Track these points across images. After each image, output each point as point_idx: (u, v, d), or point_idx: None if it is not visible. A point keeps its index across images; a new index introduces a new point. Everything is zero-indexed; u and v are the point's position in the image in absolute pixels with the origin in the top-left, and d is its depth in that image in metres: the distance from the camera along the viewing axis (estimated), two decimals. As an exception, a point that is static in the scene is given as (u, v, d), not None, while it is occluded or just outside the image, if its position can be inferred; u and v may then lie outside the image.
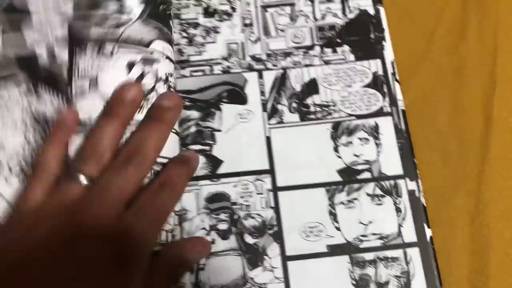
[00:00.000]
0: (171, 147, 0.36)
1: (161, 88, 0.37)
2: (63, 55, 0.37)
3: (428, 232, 0.36)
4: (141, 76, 0.37)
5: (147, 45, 0.38)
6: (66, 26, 0.38)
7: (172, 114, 0.35)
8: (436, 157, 0.39)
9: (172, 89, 0.38)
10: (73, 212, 0.29)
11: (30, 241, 0.28)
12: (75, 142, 0.34)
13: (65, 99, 0.36)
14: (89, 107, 0.36)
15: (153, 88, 0.37)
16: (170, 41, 0.39)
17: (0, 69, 0.36)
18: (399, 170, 0.38)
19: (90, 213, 0.29)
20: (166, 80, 0.38)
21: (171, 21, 0.40)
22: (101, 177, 0.31)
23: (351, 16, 0.42)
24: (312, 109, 0.39)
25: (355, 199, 0.37)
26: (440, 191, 0.38)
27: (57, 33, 0.38)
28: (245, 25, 0.42)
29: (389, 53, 0.41)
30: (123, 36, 0.38)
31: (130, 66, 0.37)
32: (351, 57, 0.41)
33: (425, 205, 0.37)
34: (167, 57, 0.38)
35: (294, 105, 0.39)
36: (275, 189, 0.37)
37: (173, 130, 0.37)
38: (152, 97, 0.36)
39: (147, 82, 0.37)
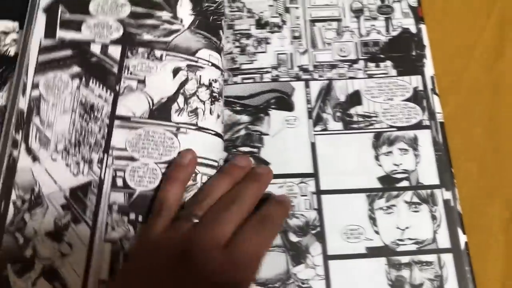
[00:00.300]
0: (214, 149, 0.39)
1: (203, 93, 0.40)
2: (115, 54, 0.40)
3: (463, 239, 0.38)
4: (185, 81, 0.40)
5: (194, 53, 0.41)
6: (121, 30, 0.41)
7: (266, 178, 0.38)
8: (473, 167, 0.41)
9: (215, 94, 0.40)
10: (187, 245, 0.32)
11: (152, 264, 0.32)
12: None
13: (112, 94, 0.39)
14: (134, 104, 0.39)
15: (194, 93, 0.40)
16: (218, 50, 0.42)
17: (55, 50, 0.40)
18: (435, 180, 0.40)
19: (200, 246, 0.32)
20: (209, 86, 0.40)
21: (221, 31, 0.43)
22: (207, 216, 0.34)
23: (394, 33, 0.44)
24: (355, 118, 0.42)
25: (394, 205, 0.39)
26: (476, 199, 0.40)
27: (112, 34, 0.41)
28: (294, 37, 0.44)
29: (429, 69, 0.43)
30: (172, 44, 0.41)
31: (176, 71, 0.40)
32: (393, 72, 0.43)
33: (461, 212, 0.39)
34: (213, 65, 0.41)
35: (338, 114, 0.42)
36: (319, 192, 0.40)
37: (215, 133, 0.39)
38: (193, 101, 0.39)
39: (190, 87, 0.40)
